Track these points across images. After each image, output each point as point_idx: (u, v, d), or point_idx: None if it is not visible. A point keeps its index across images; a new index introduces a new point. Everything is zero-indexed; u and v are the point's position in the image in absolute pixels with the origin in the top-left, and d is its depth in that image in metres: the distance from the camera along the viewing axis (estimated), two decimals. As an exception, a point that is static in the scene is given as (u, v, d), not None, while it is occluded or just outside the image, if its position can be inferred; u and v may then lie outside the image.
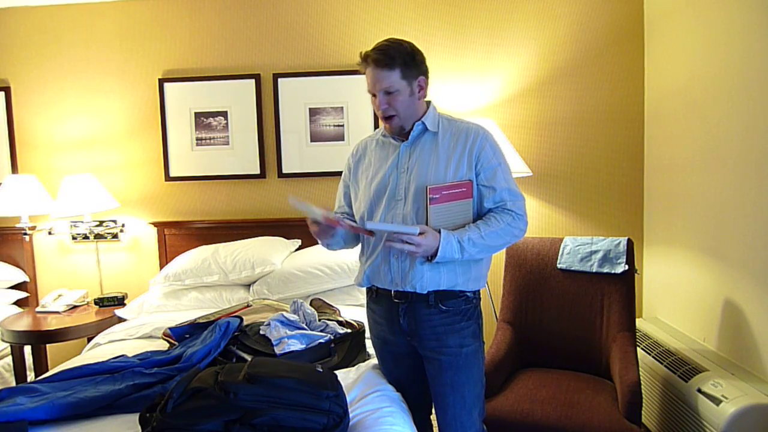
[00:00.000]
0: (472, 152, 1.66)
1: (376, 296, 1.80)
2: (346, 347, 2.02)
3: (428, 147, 1.70)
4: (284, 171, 3.22)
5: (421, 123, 1.70)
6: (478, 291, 1.76)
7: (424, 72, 1.70)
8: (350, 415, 1.53)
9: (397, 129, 1.71)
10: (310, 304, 2.26)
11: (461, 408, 1.70)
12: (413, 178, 1.67)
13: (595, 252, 2.49)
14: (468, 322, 1.70)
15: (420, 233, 1.56)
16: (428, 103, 1.76)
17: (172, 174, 3.28)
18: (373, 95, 1.69)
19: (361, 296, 2.66)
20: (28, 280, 3.29)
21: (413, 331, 1.72)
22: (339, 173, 3.09)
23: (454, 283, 1.67)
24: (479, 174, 1.67)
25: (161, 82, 3.23)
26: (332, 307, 2.37)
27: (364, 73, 1.69)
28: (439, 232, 1.59)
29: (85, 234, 3.27)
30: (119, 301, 3.05)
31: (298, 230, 3.17)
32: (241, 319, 2.09)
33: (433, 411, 1.83)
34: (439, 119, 1.74)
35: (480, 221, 1.65)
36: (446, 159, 1.67)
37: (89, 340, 2.70)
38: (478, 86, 3.10)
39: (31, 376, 2.94)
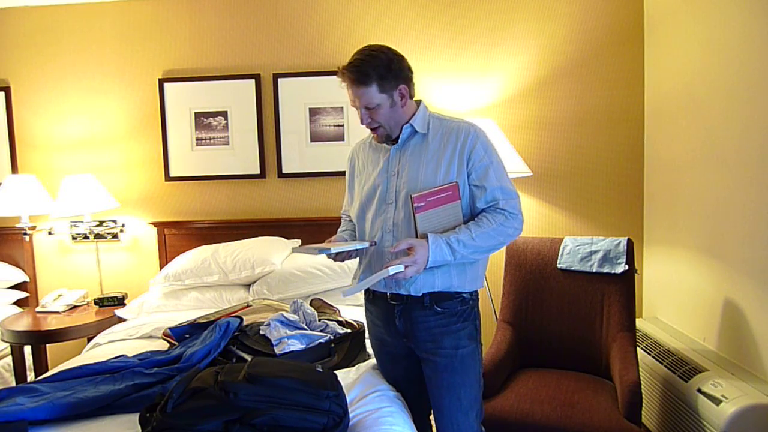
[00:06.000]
0: (463, 152, 1.63)
1: (372, 297, 1.81)
2: (346, 347, 2.02)
3: (418, 149, 1.68)
4: (284, 171, 3.22)
5: (410, 125, 1.68)
6: (476, 292, 1.74)
7: (404, 78, 1.65)
8: (350, 415, 1.53)
9: (384, 138, 1.71)
10: (310, 304, 2.26)
11: (457, 410, 1.69)
12: (403, 182, 1.66)
13: (595, 252, 2.49)
14: (464, 324, 1.68)
15: (409, 248, 1.54)
16: (419, 102, 1.74)
17: (172, 174, 3.28)
18: (356, 107, 1.67)
19: (361, 296, 2.64)
20: (28, 280, 3.29)
21: (409, 332, 1.71)
22: (339, 173, 3.15)
23: (449, 285, 1.65)
24: (471, 174, 1.64)
25: (161, 82, 3.23)
26: (332, 307, 2.37)
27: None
28: (427, 237, 1.56)
29: (85, 234, 3.28)
30: (119, 301, 3.05)
31: (298, 230, 3.18)
32: (241, 319, 2.09)
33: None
34: (430, 119, 1.71)
35: (471, 222, 1.62)
36: (436, 160, 1.65)
37: (89, 340, 2.70)
38: (478, 86, 3.10)
39: (31, 376, 2.94)
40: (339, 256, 1.69)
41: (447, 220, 1.62)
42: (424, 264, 1.55)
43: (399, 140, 1.69)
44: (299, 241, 3.12)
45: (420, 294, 1.65)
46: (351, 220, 1.92)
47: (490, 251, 1.64)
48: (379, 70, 1.59)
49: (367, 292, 1.82)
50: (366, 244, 1.67)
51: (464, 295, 1.69)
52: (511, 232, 1.62)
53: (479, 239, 1.57)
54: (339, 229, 1.96)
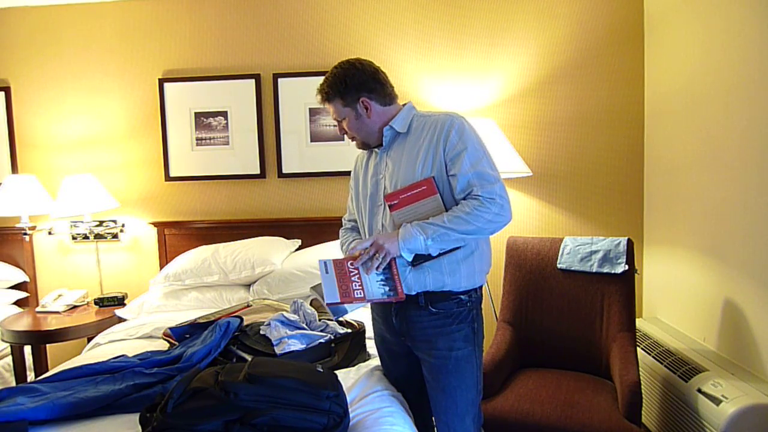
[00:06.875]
0: (439, 143, 1.61)
1: None
2: (346, 347, 2.02)
3: (400, 149, 1.69)
4: (284, 171, 3.22)
5: (389, 127, 1.69)
6: (476, 294, 1.70)
7: (367, 89, 1.67)
8: (350, 415, 1.53)
9: (361, 145, 1.78)
10: (310, 304, 2.26)
11: (453, 413, 1.68)
12: (389, 182, 1.68)
13: (595, 252, 2.49)
14: (459, 326, 1.66)
15: (372, 244, 1.56)
16: (405, 104, 1.75)
17: (172, 174, 3.28)
18: None
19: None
20: (28, 280, 3.29)
21: (405, 331, 1.72)
22: (339, 173, 3.16)
23: (442, 284, 1.63)
24: (447, 164, 1.61)
25: (161, 82, 3.23)
26: (332, 307, 2.36)
27: None
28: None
29: (85, 234, 3.27)
30: (119, 301, 3.05)
31: (298, 230, 3.18)
32: (241, 319, 2.09)
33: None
34: (413, 118, 1.72)
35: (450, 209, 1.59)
36: (415, 156, 1.64)
37: (89, 340, 2.70)
38: (478, 86, 3.10)
39: (31, 376, 2.94)
40: None
41: (426, 215, 1.59)
42: (389, 245, 1.54)
43: (384, 143, 1.72)
44: (299, 241, 3.12)
45: (414, 293, 1.65)
46: (350, 228, 1.94)
47: (468, 235, 1.55)
48: (337, 86, 1.68)
49: None
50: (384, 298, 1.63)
51: (461, 297, 1.66)
52: (490, 217, 1.53)
53: (452, 222, 1.53)
54: (342, 238, 1.93)
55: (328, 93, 1.69)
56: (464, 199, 1.58)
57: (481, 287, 1.73)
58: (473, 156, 1.58)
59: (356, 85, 1.67)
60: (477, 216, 1.53)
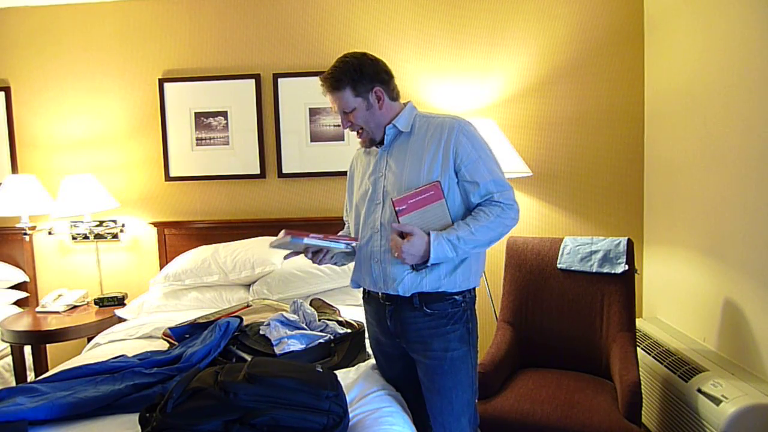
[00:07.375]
0: (448, 148, 1.62)
1: (367, 297, 1.82)
2: (346, 347, 2.02)
3: (403, 149, 1.69)
4: (284, 171, 3.23)
5: (392, 126, 1.69)
6: (470, 294, 1.70)
7: (380, 80, 1.67)
8: (350, 415, 1.53)
9: (367, 141, 1.74)
10: (310, 304, 2.26)
11: (449, 414, 1.68)
12: (390, 182, 1.67)
13: (595, 252, 2.49)
14: (454, 326, 1.66)
15: (408, 234, 1.54)
16: (406, 104, 1.75)
17: (172, 174, 3.28)
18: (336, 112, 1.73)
19: (361, 296, 2.66)
20: (28, 280, 3.29)
21: (400, 333, 1.71)
22: (339, 173, 3.16)
23: (438, 285, 1.63)
24: (460, 169, 1.62)
25: (161, 82, 3.23)
26: (332, 307, 2.37)
27: None
28: (429, 234, 1.55)
29: (85, 234, 3.28)
30: (119, 301, 3.05)
31: (297, 230, 3.17)
32: (241, 319, 2.09)
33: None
34: (416, 118, 1.72)
35: (469, 217, 1.61)
36: (420, 158, 1.64)
37: (89, 340, 2.70)
38: (478, 86, 3.10)
39: (31, 376, 2.94)
40: (316, 258, 1.71)
41: (432, 220, 1.60)
42: (415, 255, 1.54)
43: (385, 142, 1.71)
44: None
45: (409, 295, 1.64)
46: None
47: (491, 243, 1.61)
48: (351, 74, 1.64)
49: (364, 291, 1.83)
50: (341, 245, 1.68)
51: (456, 297, 1.66)
52: (508, 222, 1.61)
53: (479, 233, 1.56)
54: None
55: (339, 81, 1.64)
56: (480, 204, 1.62)
57: (475, 288, 1.73)
58: (488, 163, 1.63)
59: (371, 75, 1.66)
60: (500, 222, 1.59)
